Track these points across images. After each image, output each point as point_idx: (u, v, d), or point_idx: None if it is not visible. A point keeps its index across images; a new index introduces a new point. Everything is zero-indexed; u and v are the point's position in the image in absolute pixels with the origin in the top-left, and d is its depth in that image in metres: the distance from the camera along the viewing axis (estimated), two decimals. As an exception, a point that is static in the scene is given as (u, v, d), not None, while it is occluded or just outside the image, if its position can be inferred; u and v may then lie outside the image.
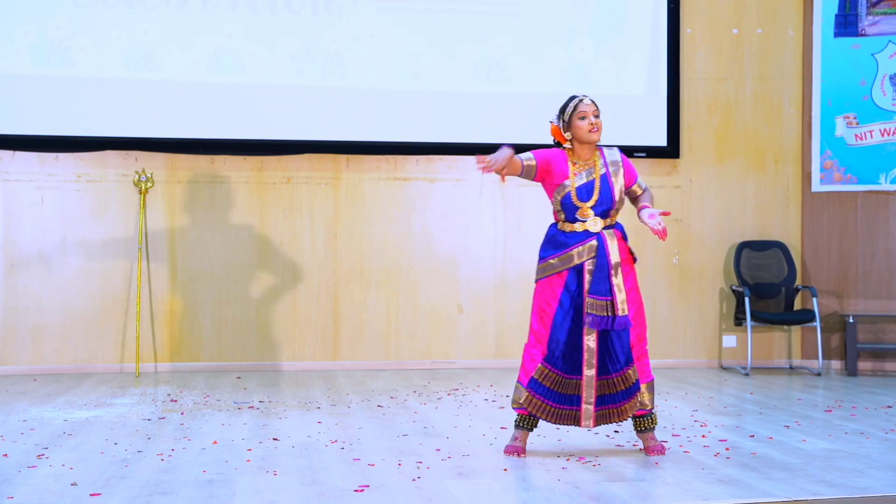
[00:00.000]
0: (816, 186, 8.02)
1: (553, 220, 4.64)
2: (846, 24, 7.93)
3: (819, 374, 7.67)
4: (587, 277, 4.47)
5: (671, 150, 7.97)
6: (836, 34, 7.95)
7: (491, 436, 5.04)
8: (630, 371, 4.48)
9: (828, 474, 4.21)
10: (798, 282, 8.03)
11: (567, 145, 4.63)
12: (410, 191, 7.84)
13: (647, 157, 7.95)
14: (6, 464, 4.35)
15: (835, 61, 7.96)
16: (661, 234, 4.45)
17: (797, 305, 8.00)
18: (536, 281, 4.60)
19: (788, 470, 4.29)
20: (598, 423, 4.51)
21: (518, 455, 4.55)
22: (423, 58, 7.73)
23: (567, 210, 4.53)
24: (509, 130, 7.76)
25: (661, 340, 7.97)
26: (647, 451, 4.59)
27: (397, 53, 7.70)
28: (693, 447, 4.77)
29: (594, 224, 4.51)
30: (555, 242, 4.55)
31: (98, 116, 7.41)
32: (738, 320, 7.86)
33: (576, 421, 4.50)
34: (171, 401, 6.15)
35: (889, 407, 6.09)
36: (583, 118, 4.55)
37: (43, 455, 4.52)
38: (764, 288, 7.93)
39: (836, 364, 7.93)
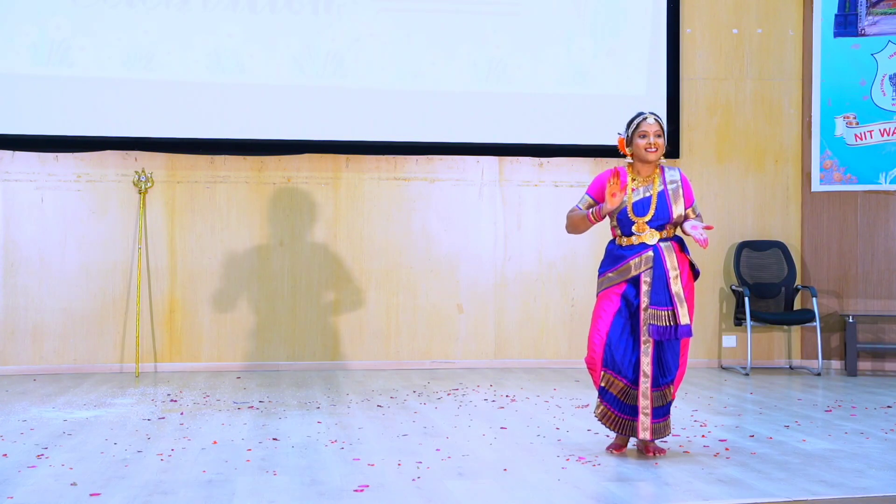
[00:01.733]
0: (816, 186, 8.02)
1: (611, 237, 4.69)
2: (846, 24, 7.93)
3: (819, 374, 7.67)
4: (644, 289, 4.51)
5: (671, 150, 7.96)
6: (836, 34, 7.95)
7: (491, 436, 5.04)
8: (668, 389, 4.54)
9: (828, 474, 4.21)
10: (798, 282, 8.03)
11: (629, 160, 4.64)
12: (410, 191, 7.84)
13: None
14: (6, 464, 4.35)
15: (835, 61, 7.96)
16: (703, 243, 4.48)
17: (797, 305, 8.00)
18: (597, 295, 4.66)
19: (788, 470, 4.29)
20: (654, 435, 4.55)
21: (615, 451, 4.61)
22: (423, 58, 7.73)
23: (623, 225, 4.59)
24: (509, 130, 7.77)
25: (661, 340, 7.96)
26: (646, 450, 4.59)
27: (397, 53, 7.70)
28: (693, 447, 4.78)
29: (651, 237, 4.55)
30: (612, 257, 4.62)
31: (98, 116, 7.40)
32: (738, 320, 7.86)
33: (633, 432, 4.56)
34: (171, 401, 6.15)
35: (889, 407, 6.09)
36: (643, 137, 4.58)
37: (43, 455, 4.52)
38: (764, 288, 7.93)
39: (836, 364, 7.93)
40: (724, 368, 7.94)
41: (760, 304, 7.91)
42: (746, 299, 7.65)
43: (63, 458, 4.44)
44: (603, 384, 4.56)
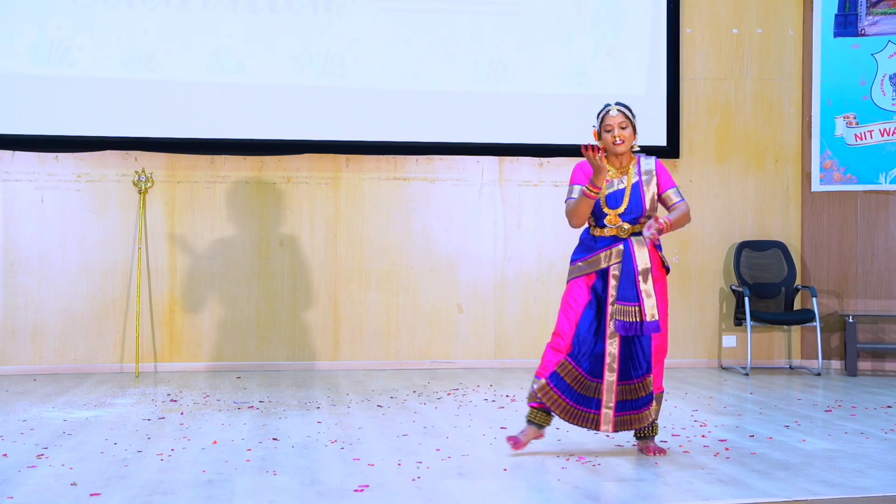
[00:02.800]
0: (816, 186, 8.02)
1: (587, 226, 4.67)
2: (846, 24, 7.93)
3: (819, 374, 7.67)
4: (612, 283, 4.50)
5: (671, 150, 7.97)
6: (836, 34, 7.95)
7: (491, 436, 5.04)
8: (649, 379, 4.50)
9: (828, 474, 4.21)
10: (798, 282, 8.03)
11: (602, 154, 4.61)
12: (410, 191, 7.84)
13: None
14: (6, 464, 4.35)
15: (835, 61, 7.96)
16: (653, 238, 4.44)
17: (797, 305, 8.00)
18: (567, 282, 4.65)
19: (788, 470, 4.29)
20: (617, 428, 4.52)
21: (515, 447, 4.56)
22: (423, 58, 7.73)
23: (597, 216, 4.57)
24: (509, 130, 7.77)
25: (661, 340, 7.97)
26: (646, 450, 4.59)
27: (397, 53, 7.70)
28: (693, 447, 4.77)
29: (622, 230, 4.53)
30: (585, 246, 4.61)
31: (98, 116, 7.41)
32: (738, 320, 7.86)
33: (595, 425, 4.51)
34: (171, 401, 6.15)
35: (889, 407, 6.09)
36: (608, 130, 4.57)
37: (43, 455, 4.52)
38: (764, 288, 7.93)
39: (836, 364, 7.93)
40: (724, 368, 7.94)
41: (760, 304, 7.91)
42: (746, 299, 7.65)
43: (63, 458, 4.44)
44: (558, 370, 4.50)
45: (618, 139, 4.54)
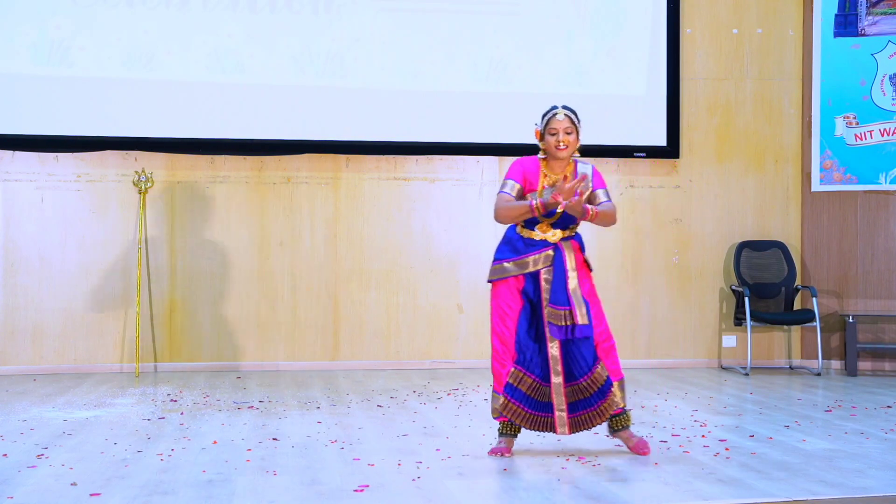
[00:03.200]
0: (816, 186, 8.02)
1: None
2: (846, 24, 7.93)
3: (819, 374, 7.67)
4: (544, 286, 4.49)
5: (671, 150, 7.97)
6: (836, 34, 7.95)
7: (491, 436, 5.03)
8: (598, 370, 4.48)
9: (828, 474, 4.21)
10: (798, 282, 8.03)
11: (542, 155, 4.58)
12: (410, 191, 7.84)
13: (647, 157, 7.96)
14: (6, 464, 4.35)
15: (835, 61, 7.96)
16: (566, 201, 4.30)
17: (797, 305, 8.00)
18: (491, 282, 4.58)
19: (788, 470, 4.29)
20: (573, 429, 4.53)
21: (503, 455, 4.55)
22: (423, 58, 7.73)
23: (529, 219, 4.51)
24: (509, 130, 7.76)
25: (661, 340, 7.97)
26: (633, 449, 4.59)
27: (397, 53, 7.70)
28: (693, 447, 4.77)
29: (553, 234, 4.51)
30: (512, 246, 4.55)
31: (98, 116, 7.41)
32: (738, 320, 7.86)
33: (552, 428, 4.53)
34: (171, 401, 6.15)
35: (889, 407, 6.09)
36: (553, 134, 4.49)
37: (43, 455, 4.52)
38: (764, 288, 7.93)
39: (836, 364, 7.93)
40: (724, 368, 7.94)
41: (760, 304, 7.91)
42: (746, 299, 7.65)
43: (63, 458, 4.44)
44: (511, 380, 4.51)
45: (562, 144, 4.47)
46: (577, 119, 4.54)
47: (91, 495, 3.80)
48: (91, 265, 7.47)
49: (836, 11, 7.95)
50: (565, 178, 4.47)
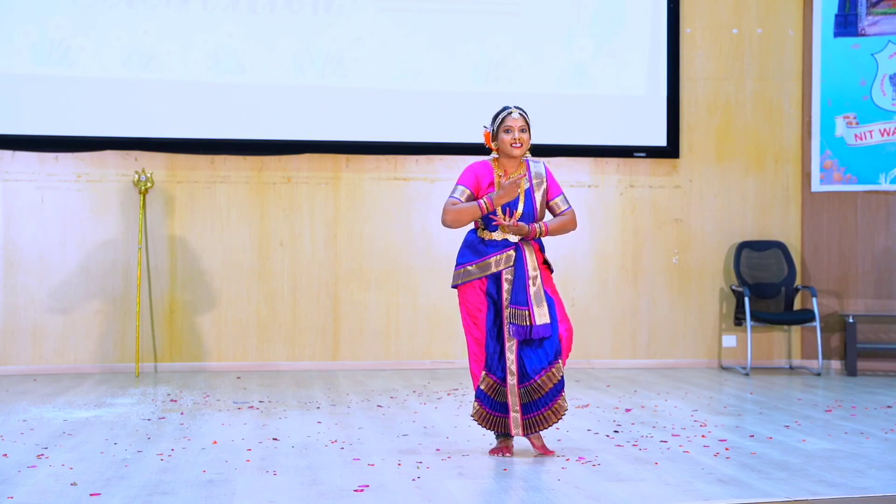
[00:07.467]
0: (816, 186, 8.02)
1: (472, 227, 4.64)
2: (846, 23, 7.93)
3: (819, 374, 7.67)
4: (505, 286, 4.51)
5: (671, 150, 7.97)
6: (836, 34, 7.95)
7: (490, 436, 5.03)
8: (555, 369, 4.49)
9: (828, 474, 4.21)
10: (798, 282, 8.03)
11: (494, 155, 4.62)
12: (410, 191, 7.84)
13: (647, 157, 7.96)
14: (6, 464, 4.35)
15: (835, 61, 7.96)
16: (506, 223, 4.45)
17: (797, 305, 8.00)
18: (456, 287, 4.61)
19: (788, 470, 4.30)
20: (527, 431, 4.53)
21: (503, 454, 4.57)
22: (423, 58, 7.73)
23: (486, 220, 4.55)
24: (509, 130, 7.75)
25: (661, 340, 7.97)
26: (533, 446, 4.59)
27: (397, 53, 7.70)
28: (693, 447, 4.78)
29: (513, 235, 4.53)
30: (473, 248, 4.58)
31: (98, 116, 7.41)
32: (738, 320, 7.86)
33: (506, 428, 4.55)
34: (171, 401, 6.15)
35: (889, 407, 6.09)
36: (507, 132, 4.54)
37: (43, 455, 4.52)
38: (764, 288, 7.93)
39: (836, 364, 7.93)
40: (724, 368, 7.94)
41: (760, 304, 7.91)
42: (746, 299, 7.65)
43: (63, 458, 4.45)
44: (481, 386, 4.55)
45: (517, 142, 4.53)
46: (529, 119, 4.62)
47: (91, 495, 3.81)
48: (91, 265, 7.47)
49: (836, 11, 7.95)
50: (506, 173, 4.52)
